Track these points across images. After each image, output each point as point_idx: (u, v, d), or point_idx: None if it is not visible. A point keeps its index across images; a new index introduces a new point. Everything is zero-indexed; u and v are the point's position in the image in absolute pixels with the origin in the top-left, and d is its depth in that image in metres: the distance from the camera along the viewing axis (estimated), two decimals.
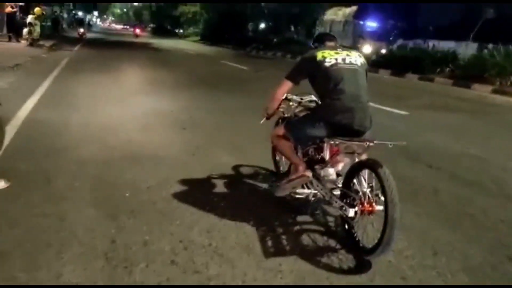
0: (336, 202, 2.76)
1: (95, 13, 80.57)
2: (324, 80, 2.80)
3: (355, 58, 2.90)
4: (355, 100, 2.76)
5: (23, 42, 17.74)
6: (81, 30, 31.49)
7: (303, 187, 3.05)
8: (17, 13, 20.17)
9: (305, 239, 2.80)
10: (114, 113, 6.26)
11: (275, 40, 31.58)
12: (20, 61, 11.37)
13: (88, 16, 68.68)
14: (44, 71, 10.12)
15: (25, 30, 17.75)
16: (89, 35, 37.40)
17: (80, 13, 61.09)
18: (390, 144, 2.63)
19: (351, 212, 2.60)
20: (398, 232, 2.41)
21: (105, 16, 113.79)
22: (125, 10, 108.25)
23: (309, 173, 2.91)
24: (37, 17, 18.18)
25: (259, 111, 3.25)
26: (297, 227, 2.95)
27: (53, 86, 8.26)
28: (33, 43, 17.36)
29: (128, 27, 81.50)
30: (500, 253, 2.79)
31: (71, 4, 48.68)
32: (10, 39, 18.35)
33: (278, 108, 3.23)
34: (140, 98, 7.76)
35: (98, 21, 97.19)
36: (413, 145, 5.39)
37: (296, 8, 32.60)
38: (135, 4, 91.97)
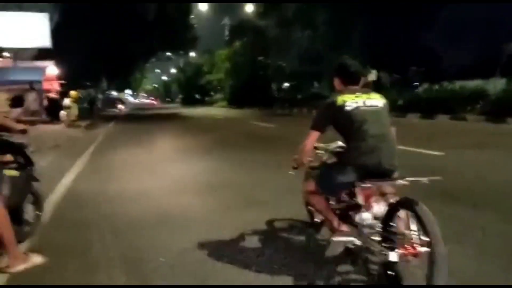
0: (375, 247, 2.62)
1: (128, 91, 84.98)
2: (347, 123, 2.78)
3: (376, 101, 2.87)
4: (380, 140, 2.72)
5: (62, 124, 18.75)
6: (120, 106, 41.89)
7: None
8: (58, 99, 21.64)
9: None
10: (148, 181, 6.36)
11: (299, 96, 32.16)
12: (58, 142, 11.93)
13: (121, 94, 72.45)
14: (80, 149, 10.54)
15: (62, 113, 18.82)
16: (121, 112, 39.37)
17: (114, 93, 64.65)
18: (425, 180, 2.52)
19: (392, 256, 2.42)
20: (448, 273, 2.23)
21: (136, 93, 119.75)
22: (155, 85, 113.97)
23: (344, 228, 2.85)
24: (74, 100, 19.32)
25: (287, 165, 3.21)
26: (338, 279, 2.80)
27: (89, 161, 8.57)
28: (71, 124, 18.31)
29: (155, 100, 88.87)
30: None
31: (105, 85, 51.62)
32: (50, 122, 19.47)
33: (307, 161, 3.18)
34: (172, 165, 7.90)
35: (131, 98, 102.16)
36: (453, 185, 5.15)
37: (316, 66, 33.41)
38: (165, 78, 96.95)
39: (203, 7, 43.91)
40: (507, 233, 3.55)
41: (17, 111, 15.09)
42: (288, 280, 2.79)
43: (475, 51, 25.89)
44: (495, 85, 18.47)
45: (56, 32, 23.01)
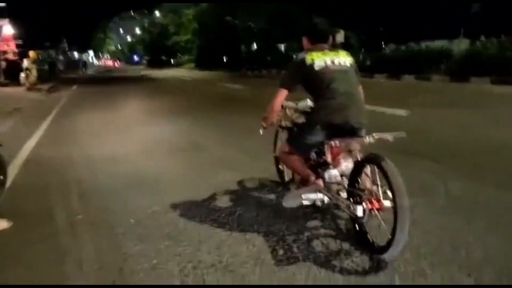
0: (343, 203, 2.71)
1: (91, 52, 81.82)
2: (316, 82, 2.81)
3: (344, 59, 2.90)
4: (348, 98, 2.77)
5: (22, 87, 17.93)
6: (83, 68, 41.41)
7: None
8: (16, 60, 20.62)
9: (317, 245, 2.70)
10: (115, 144, 6.24)
11: (268, 58, 31.87)
12: (19, 106, 11.46)
13: (84, 56, 69.77)
14: (43, 113, 10.17)
15: (22, 75, 17.98)
16: (84, 74, 38.02)
17: (75, 54, 62.10)
18: (391, 137, 2.58)
19: (359, 210, 2.52)
20: (411, 226, 2.33)
21: (100, 55, 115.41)
22: (119, 46, 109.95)
23: (320, 183, 2.88)
24: (33, 61, 18.43)
25: (257, 126, 3.21)
26: (308, 234, 2.86)
27: (52, 125, 8.29)
28: (31, 87, 17.54)
29: (117, 62, 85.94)
30: None
31: (66, 46, 49.48)
32: (8, 85, 18.59)
33: (276, 120, 3.21)
34: (139, 128, 7.76)
35: (94, 60, 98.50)
36: (417, 142, 5.30)
37: (285, 27, 32.94)
38: (129, 39, 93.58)
39: None
40: (468, 187, 3.70)
41: None
42: (259, 237, 2.84)
43: (441, 12, 26.11)
44: (459, 45, 18.85)
45: None
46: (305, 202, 2.92)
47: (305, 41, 3.06)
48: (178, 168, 4.78)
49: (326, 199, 2.89)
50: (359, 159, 2.71)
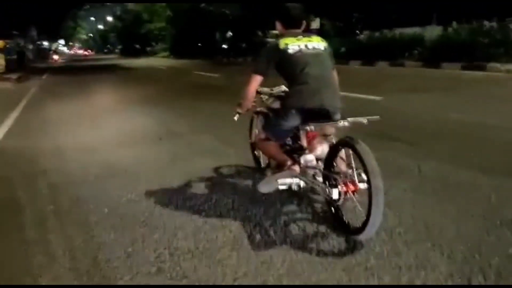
0: (318, 186, 2.72)
1: (61, 41, 79.52)
2: (290, 67, 2.78)
3: (318, 43, 2.88)
4: (322, 82, 2.75)
5: None
6: (54, 57, 41.38)
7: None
8: None
9: (294, 229, 2.71)
10: (88, 134, 6.10)
11: (243, 45, 31.67)
12: None
13: (54, 45, 67.75)
14: (11, 102, 9.84)
15: None
16: (55, 64, 37.00)
17: (45, 43, 60.23)
18: (365, 121, 2.59)
19: (334, 193, 2.54)
20: (386, 208, 2.36)
21: (71, 43, 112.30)
22: (91, 35, 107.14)
23: (297, 168, 2.88)
24: (0, 50, 17.80)
25: (233, 113, 3.18)
26: (284, 218, 2.87)
27: (21, 116, 8.04)
28: None
29: (90, 51, 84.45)
30: (492, 218, 2.74)
31: (35, 34, 47.94)
32: None
33: (252, 106, 3.18)
34: (113, 117, 7.61)
35: (65, 49, 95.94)
36: (390, 126, 5.38)
37: (260, 14, 32.74)
38: (100, 27, 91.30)
39: None
40: (440, 169, 3.77)
41: None
42: (236, 223, 2.83)
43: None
44: (432, 31, 19.13)
45: None
46: (281, 187, 2.91)
47: (278, 26, 3.03)
48: (153, 156, 4.72)
49: (302, 183, 2.89)
50: (334, 143, 2.72)
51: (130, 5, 60.09)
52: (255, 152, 3.92)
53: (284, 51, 2.78)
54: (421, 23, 21.19)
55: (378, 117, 2.66)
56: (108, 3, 46.45)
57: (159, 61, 35.43)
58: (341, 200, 2.56)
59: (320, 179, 2.78)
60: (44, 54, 52.91)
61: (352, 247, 2.43)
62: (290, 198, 3.18)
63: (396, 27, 21.59)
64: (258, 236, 2.63)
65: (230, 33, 39.77)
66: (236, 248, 2.50)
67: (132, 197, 3.43)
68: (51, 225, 2.96)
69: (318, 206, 3.05)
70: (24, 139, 5.85)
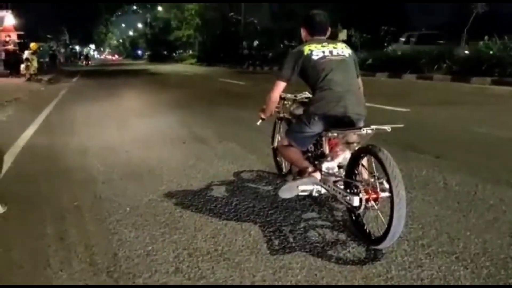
0: (339, 194, 2.65)
1: (92, 46, 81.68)
2: (314, 73, 2.78)
3: (342, 50, 2.88)
4: (346, 88, 2.74)
5: (22, 77, 17.89)
6: (85, 61, 43.97)
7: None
8: (17, 51, 20.62)
9: (314, 235, 2.68)
10: (113, 135, 6.22)
11: (270, 54, 31.77)
12: (18, 96, 11.42)
13: (85, 49, 69.65)
14: (42, 103, 10.14)
15: (22, 66, 17.95)
16: (85, 67, 38.00)
17: (77, 47, 62.02)
18: (388, 128, 2.53)
19: (355, 201, 2.47)
20: (409, 220, 2.31)
21: (101, 49, 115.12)
22: (121, 41, 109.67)
23: (318, 175, 2.82)
24: (34, 52, 18.39)
25: (257, 120, 3.20)
26: (304, 225, 2.84)
27: (51, 115, 8.27)
28: (31, 78, 17.50)
29: (117, 57, 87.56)
30: None
31: (67, 38, 49.43)
32: (9, 75, 18.57)
33: (275, 112, 3.26)
34: (139, 120, 7.72)
35: (96, 54, 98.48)
36: (417, 138, 5.29)
37: (288, 23, 32.87)
38: (130, 34, 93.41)
39: None
40: (466, 183, 3.67)
41: None
42: (255, 227, 2.82)
43: (444, 12, 26.08)
44: (462, 45, 18.79)
45: None
46: (302, 194, 2.89)
47: (303, 33, 3.06)
48: (176, 159, 4.75)
49: (323, 190, 2.85)
50: (356, 149, 2.68)
51: (160, 13, 61.31)
52: (277, 157, 3.89)
53: (308, 57, 2.79)
54: (451, 37, 20.88)
55: (402, 125, 2.63)
56: (139, 11, 47.44)
57: (186, 67, 35.90)
58: (362, 208, 2.48)
59: (342, 186, 2.72)
60: (75, 58, 54.54)
61: (373, 257, 2.38)
62: (311, 205, 3.15)
63: (426, 40, 21.34)
64: (277, 241, 2.61)
65: (257, 42, 40.04)
66: (255, 252, 2.48)
67: (153, 198, 3.47)
68: (73, 221, 3.01)
69: (338, 213, 3.01)
70: (52, 138, 6.00)
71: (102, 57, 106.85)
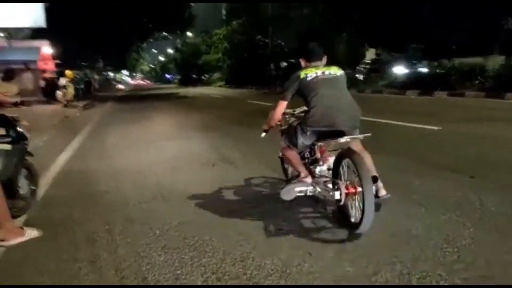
0: (326, 191, 3.26)
1: (125, 71, 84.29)
2: (308, 91, 3.31)
3: (334, 71, 3.39)
4: (335, 102, 3.22)
5: (59, 104, 18.60)
6: (118, 86, 44.46)
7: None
8: (54, 79, 21.57)
9: (345, 260, 2.62)
10: (144, 158, 6.33)
11: None
12: (55, 121, 11.87)
13: (118, 75, 72.02)
14: (77, 128, 10.49)
15: (59, 93, 18.68)
16: (119, 93, 39.24)
17: (110, 73, 64.17)
18: (361, 137, 3.24)
19: (336, 195, 3.09)
20: (444, 243, 2.21)
21: (133, 74, 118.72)
22: (152, 66, 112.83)
23: (309, 180, 3.43)
24: (70, 80, 19.13)
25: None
26: (333, 249, 2.78)
27: (85, 140, 8.52)
28: (67, 104, 18.17)
29: (147, 81, 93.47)
30: None
31: (102, 66, 51.22)
32: (46, 102, 19.36)
33: (277, 125, 3.90)
34: (168, 142, 7.85)
35: (128, 79, 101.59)
36: (450, 157, 5.15)
37: (315, 43, 33.02)
38: (161, 59, 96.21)
39: None
40: (503, 203, 3.52)
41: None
42: (285, 250, 2.78)
43: (474, 28, 25.59)
44: (494, 61, 18.31)
45: (51, 11, 22.61)
46: (299, 194, 3.47)
47: (302, 62, 3.57)
48: (205, 181, 4.78)
49: (317, 189, 3.40)
50: (338, 153, 3.30)
51: (189, 38, 62.95)
52: (284, 165, 4.34)
53: (304, 79, 3.34)
54: (483, 53, 20.41)
55: (369, 134, 3.18)
56: (169, 37, 48.82)
57: (215, 90, 36.47)
58: (343, 200, 3.08)
59: (330, 185, 3.30)
60: (109, 83, 56.48)
61: (407, 282, 2.30)
62: (338, 228, 3.09)
63: (456, 57, 20.95)
64: (306, 265, 2.57)
65: (284, 64, 40.35)
66: (284, 276, 2.45)
67: (183, 220, 3.49)
68: (105, 245, 3.07)
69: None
70: (85, 161, 6.18)
71: (134, 82, 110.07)
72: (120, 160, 6.22)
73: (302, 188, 3.44)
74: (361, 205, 2.89)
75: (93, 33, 28.95)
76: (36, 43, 22.71)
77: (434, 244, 2.77)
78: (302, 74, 3.35)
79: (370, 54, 27.06)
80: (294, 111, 3.85)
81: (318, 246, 2.84)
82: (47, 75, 21.62)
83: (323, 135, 3.27)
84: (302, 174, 3.46)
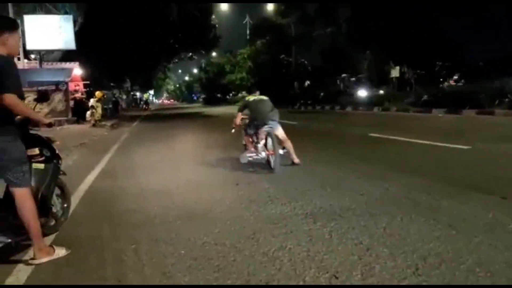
0: (260, 155, 6.60)
1: (151, 91, 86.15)
2: (250, 107, 6.86)
3: (263, 97, 6.96)
4: (263, 111, 6.66)
5: (87, 123, 19.11)
6: (144, 106, 49.73)
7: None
8: (83, 99, 22.25)
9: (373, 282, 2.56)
10: (169, 177, 6.40)
11: (322, 94, 31.92)
12: (84, 141, 12.17)
13: (145, 95, 73.63)
14: (104, 147, 10.73)
15: (88, 113, 19.22)
16: (145, 112, 40.02)
17: (137, 93, 65.73)
18: (276, 122, 6.70)
19: (264, 155, 6.56)
20: (475, 266, 2.12)
21: (159, 93, 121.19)
22: (177, 85, 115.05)
23: (253, 150, 6.70)
24: (98, 100, 19.68)
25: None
26: (360, 269, 2.72)
27: (112, 159, 8.70)
28: (96, 124, 18.65)
29: (172, 100, 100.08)
30: None
31: (129, 86, 52.52)
32: (76, 122, 19.93)
33: (239, 124, 7.05)
34: (193, 161, 7.93)
35: (154, 99, 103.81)
36: (481, 178, 5.01)
37: (338, 63, 33.10)
38: (186, 78, 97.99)
39: (224, 6, 44.06)
40: None
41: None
42: (310, 272, 2.74)
43: (502, 45, 25.15)
44: None
45: (80, 34, 23.46)
46: (249, 159, 6.60)
47: (247, 93, 6.84)
48: (229, 201, 4.79)
49: (258, 155, 6.61)
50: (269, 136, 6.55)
51: (214, 58, 64.06)
52: (243, 143, 7.25)
53: (248, 101, 6.96)
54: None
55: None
56: (195, 57, 49.88)
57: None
58: (267, 158, 6.54)
59: (263, 152, 6.59)
60: (136, 103, 57.84)
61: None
62: (368, 249, 3.03)
63: (484, 74, 20.56)
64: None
65: (308, 82, 40.46)
66: None
67: (207, 240, 3.49)
68: (131, 264, 3.09)
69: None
70: (113, 180, 6.29)
71: (160, 101, 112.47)
72: (146, 179, 6.31)
73: (251, 154, 6.63)
74: (273, 159, 6.23)
75: (122, 54, 29.82)
76: (67, 65, 23.53)
77: (466, 268, 2.67)
78: (247, 99, 7.11)
79: (395, 72, 26.82)
80: (246, 115, 6.94)
81: (347, 267, 2.78)
82: (77, 95, 22.34)
83: (258, 127, 6.62)
84: (252, 148, 6.74)
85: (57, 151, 3.79)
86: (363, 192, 4.75)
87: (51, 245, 3.32)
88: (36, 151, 3.48)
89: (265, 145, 6.50)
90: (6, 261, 3.21)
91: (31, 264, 3.10)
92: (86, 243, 3.56)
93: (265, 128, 6.44)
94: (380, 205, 4.23)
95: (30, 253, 3.24)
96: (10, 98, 2.94)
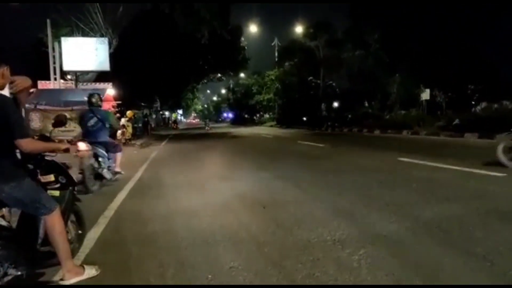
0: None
1: (180, 111, 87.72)
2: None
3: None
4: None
5: (118, 143, 19.54)
6: (173, 125, 51.88)
7: None
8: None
9: None
10: (196, 199, 6.44)
11: (349, 116, 31.72)
12: None
13: (174, 114, 75.04)
14: (134, 167, 10.91)
15: (119, 132, 19.69)
16: (174, 131, 40.69)
17: (166, 113, 67.02)
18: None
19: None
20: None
21: (187, 113, 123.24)
22: (205, 106, 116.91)
23: None
24: (129, 120, 20.17)
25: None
26: None
27: (140, 179, 8.82)
28: (126, 142, 19.08)
29: (197, 120, 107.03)
30: None
31: (159, 105, 53.67)
32: None
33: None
34: (220, 183, 7.96)
35: (182, 118, 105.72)
36: None
37: (367, 85, 32.92)
38: (215, 98, 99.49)
39: (253, 28, 44.80)
40: None
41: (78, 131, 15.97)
42: None
43: None
44: None
45: (114, 55, 24.28)
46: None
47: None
48: (256, 224, 4.77)
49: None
50: None
51: (242, 79, 64.89)
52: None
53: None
54: None
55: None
56: (223, 78, 50.77)
57: (266, 129, 36.90)
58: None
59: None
60: (165, 122, 59.05)
61: None
62: (398, 280, 2.94)
63: None
64: None
65: (336, 104, 40.33)
66: None
67: (234, 265, 3.48)
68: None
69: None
70: (141, 201, 6.37)
71: (188, 121, 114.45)
72: (173, 200, 6.36)
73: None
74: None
75: (153, 75, 30.65)
76: (100, 85, 24.33)
77: None
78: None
79: (425, 95, 26.39)
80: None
81: None
82: None
83: None
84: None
85: (73, 178, 3.78)
86: (392, 220, 4.65)
87: (81, 265, 3.38)
88: (52, 177, 3.42)
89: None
90: (36, 283, 3.25)
91: (60, 285, 3.14)
92: (115, 265, 3.60)
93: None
94: (411, 234, 4.12)
95: (59, 274, 3.26)
96: (27, 144, 2.93)
